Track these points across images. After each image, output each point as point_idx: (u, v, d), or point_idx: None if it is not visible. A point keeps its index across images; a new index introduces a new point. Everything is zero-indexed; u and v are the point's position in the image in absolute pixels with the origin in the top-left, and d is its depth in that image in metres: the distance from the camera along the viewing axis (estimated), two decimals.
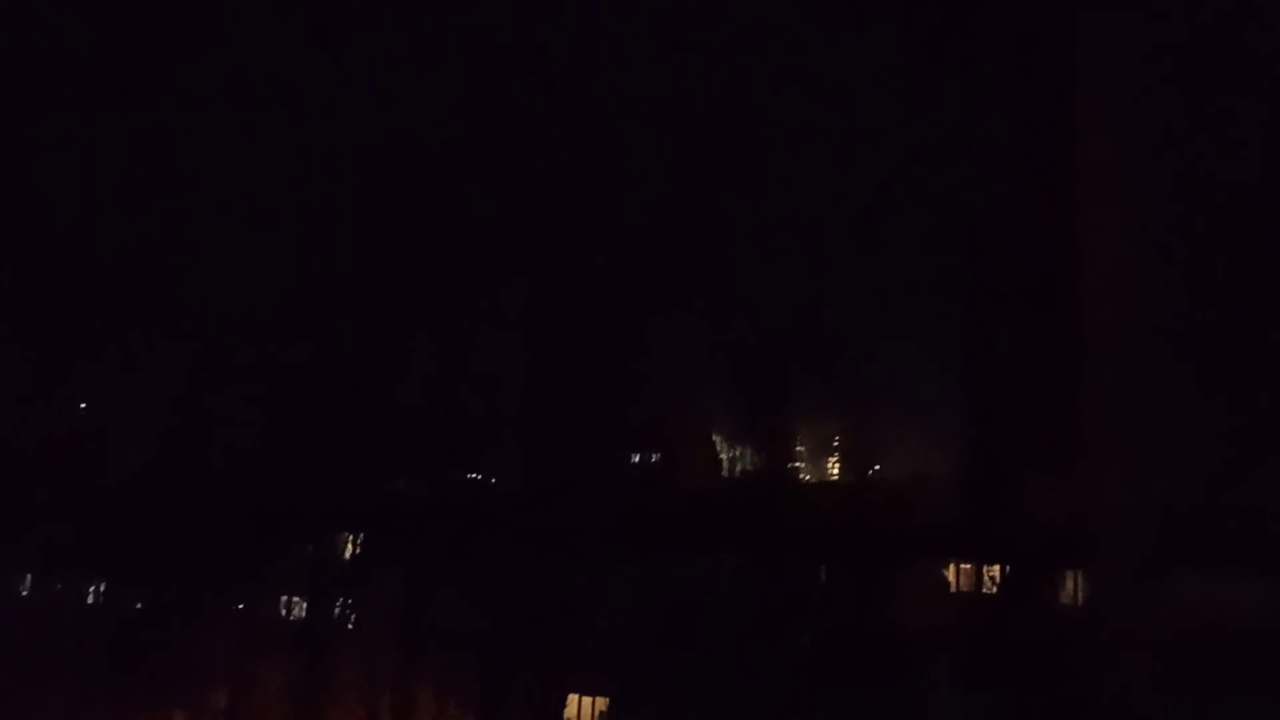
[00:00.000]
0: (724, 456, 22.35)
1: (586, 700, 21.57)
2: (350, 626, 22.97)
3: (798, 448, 21.92)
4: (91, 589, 25.37)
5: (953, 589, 19.79)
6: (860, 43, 19.08)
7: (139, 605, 24.48)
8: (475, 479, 23.58)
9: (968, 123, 18.32)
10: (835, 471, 21.97)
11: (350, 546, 23.66)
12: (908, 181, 19.21)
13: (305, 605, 23.31)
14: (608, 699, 21.38)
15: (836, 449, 21.89)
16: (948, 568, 19.81)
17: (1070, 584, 18.32)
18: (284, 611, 23.55)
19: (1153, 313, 13.12)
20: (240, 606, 23.48)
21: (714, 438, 22.39)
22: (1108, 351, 14.14)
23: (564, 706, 21.44)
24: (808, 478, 22.08)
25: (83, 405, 26.72)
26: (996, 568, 19.25)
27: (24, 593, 25.81)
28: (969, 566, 19.64)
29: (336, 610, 23.09)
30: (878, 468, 20.97)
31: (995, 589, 19.19)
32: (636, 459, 22.47)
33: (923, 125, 18.85)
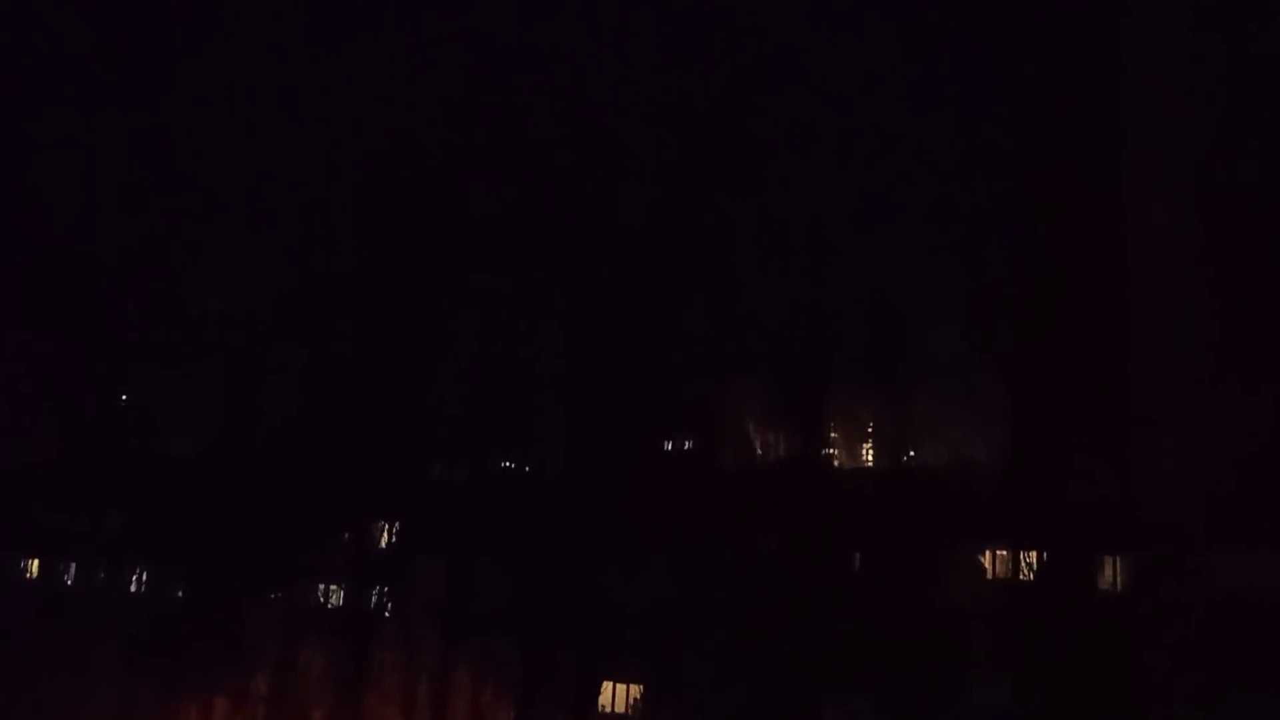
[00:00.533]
0: (757, 442, 22.31)
1: (620, 687, 21.63)
2: (387, 614, 23.14)
3: (831, 434, 21.84)
4: (131, 577, 25.69)
5: (990, 575, 19.68)
6: (905, 35, 19.01)
7: (179, 593, 24.78)
8: (509, 466, 23.69)
9: (1012, 113, 18.20)
10: (869, 458, 21.88)
11: (387, 534, 23.83)
12: (946, 169, 19.13)
13: (343, 592, 23.50)
14: (642, 686, 21.43)
15: (871, 435, 21.80)
16: (984, 554, 19.70)
17: (1109, 570, 18.18)
18: (322, 598, 23.76)
19: (1196, 296, 12.94)
20: (279, 594, 23.71)
21: (748, 424, 22.36)
22: (1149, 335, 13.97)
23: (598, 693, 21.50)
24: (841, 464, 22.00)
25: (123, 397, 27.05)
26: (1034, 554, 19.12)
27: (67, 580, 26.21)
28: (1005, 553, 19.52)
29: (374, 597, 23.26)
30: (913, 454, 20.86)
31: (1033, 576, 19.07)
32: (670, 445, 22.50)
33: (967, 115, 18.77)
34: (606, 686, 21.63)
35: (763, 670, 19.37)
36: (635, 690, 21.57)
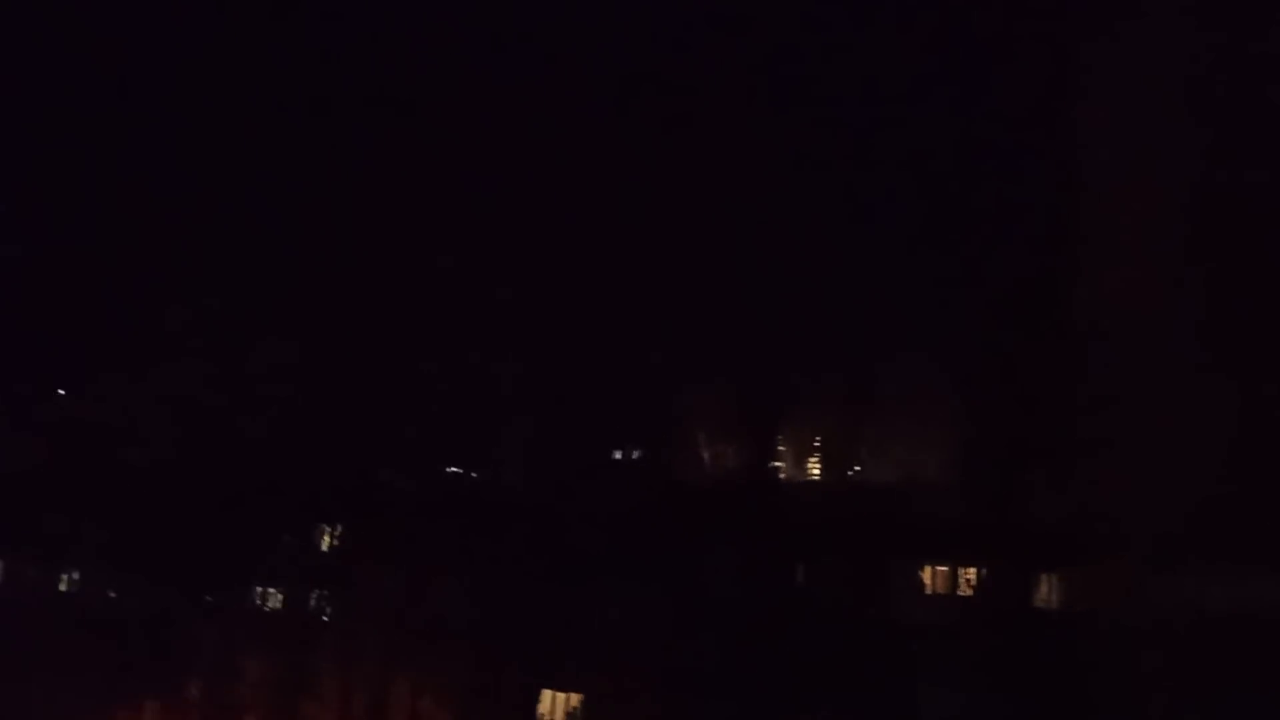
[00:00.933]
0: (707, 455, 22.43)
1: (560, 696, 21.58)
2: (327, 619, 22.86)
3: (779, 448, 22.03)
4: (65, 578, 25.07)
5: (935, 590, 19.92)
6: (861, 44, 19.21)
7: (113, 595, 24.28)
8: (459, 473, 23.57)
9: (962, 122, 18.49)
10: (815, 472, 22.09)
11: (330, 538, 23.56)
12: (897, 182, 19.36)
13: (284, 596, 23.18)
14: (581, 696, 21.38)
15: (818, 449, 22.01)
16: (932, 569, 19.95)
17: (1049, 586, 18.48)
18: (262, 603, 23.42)
19: (1149, 313, 13.25)
20: (219, 597, 23.31)
21: (698, 436, 22.48)
22: (1102, 352, 14.27)
23: (537, 702, 21.42)
24: (788, 477, 22.19)
25: (60, 392, 26.39)
26: (973, 571, 19.44)
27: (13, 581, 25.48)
28: (945, 569, 19.82)
29: (315, 602, 22.97)
30: (858, 469, 21.12)
31: (972, 591, 19.39)
32: (620, 455, 22.55)
33: (915, 126, 19.00)
34: (546, 695, 21.55)
35: (708, 681, 19.44)
36: (575, 700, 21.51)
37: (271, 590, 23.20)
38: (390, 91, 22.38)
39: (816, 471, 21.99)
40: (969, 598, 19.13)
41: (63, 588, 25.04)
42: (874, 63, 18.75)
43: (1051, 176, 15.67)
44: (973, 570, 19.17)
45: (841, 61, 19.03)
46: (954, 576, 19.50)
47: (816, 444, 22.14)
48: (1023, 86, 16.88)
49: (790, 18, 19.27)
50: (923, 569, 19.65)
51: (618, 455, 22.73)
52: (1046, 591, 18.21)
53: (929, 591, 19.51)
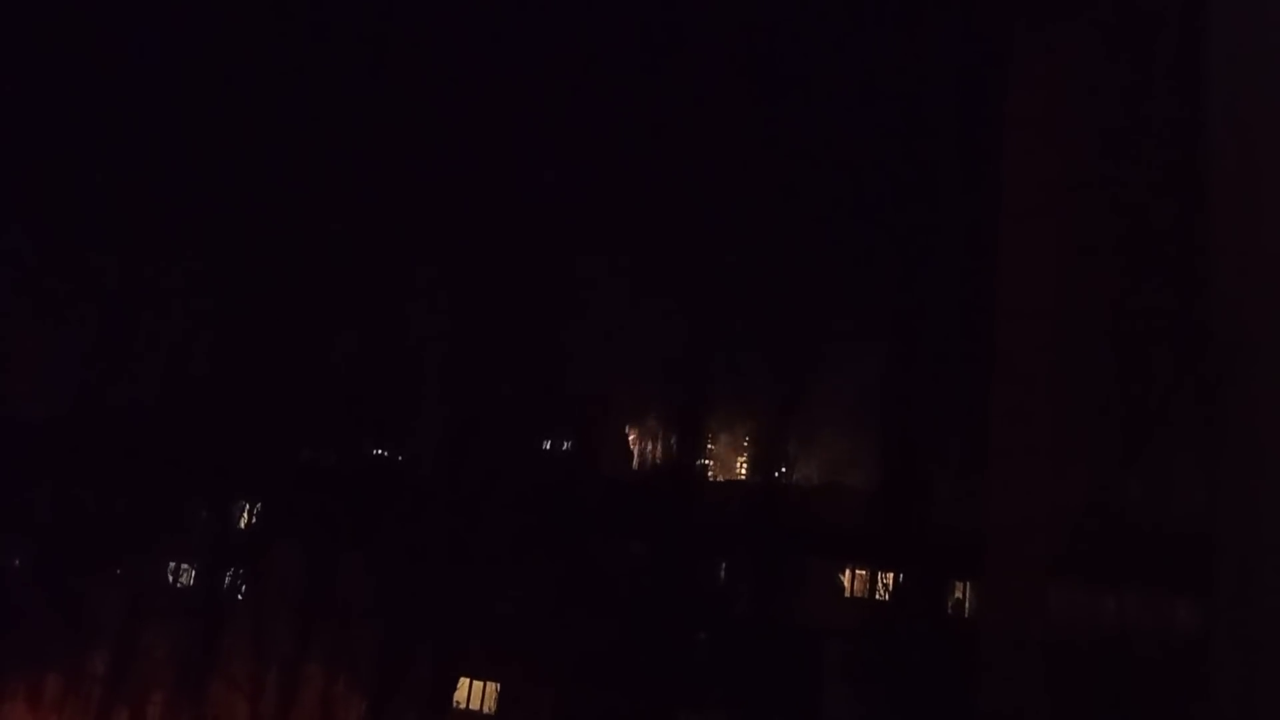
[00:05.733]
0: (635, 449, 22.42)
1: (478, 684, 21.43)
2: (241, 597, 22.43)
3: (708, 445, 22.09)
4: None
5: (848, 594, 20.18)
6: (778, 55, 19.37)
7: (16, 561, 23.61)
8: (382, 454, 23.26)
9: (900, 128, 18.70)
10: (743, 471, 22.20)
11: (247, 514, 23.11)
12: (831, 189, 19.52)
13: (196, 571, 22.70)
14: (499, 684, 21.27)
15: (746, 449, 22.13)
16: (843, 572, 20.18)
17: (962, 596, 18.80)
18: (172, 578, 22.91)
19: (1058, 325, 13.42)
20: (128, 568, 22.76)
21: (627, 429, 22.46)
22: (1013, 362, 14.46)
23: (454, 689, 21.26)
24: (716, 476, 22.27)
25: None
26: (891, 575, 19.68)
27: None
28: (864, 572, 20.05)
29: (228, 579, 22.52)
30: (784, 470, 21.23)
31: (890, 597, 19.63)
32: (548, 444, 22.42)
33: (860, 130, 19.16)
34: (464, 683, 21.39)
35: (621, 676, 19.44)
36: (493, 688, 21.38)
37: (185, 566, 22.70)
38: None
39: (743, 471, 22.10)
40: (868, 603, 19.41)
41: None
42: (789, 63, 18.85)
43: (977, 192, 15.89)
44: (873, 576, 19.46)
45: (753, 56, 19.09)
46: (871, 581, 19.75)
47: (745, 444, 22.26)
48: (950, 106, 17.15)
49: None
50: (827, 573, 19.91)
51: (546, 445, 22.61)
52: (946, 603, 18.53)
53: (833, 595, 19.79)
